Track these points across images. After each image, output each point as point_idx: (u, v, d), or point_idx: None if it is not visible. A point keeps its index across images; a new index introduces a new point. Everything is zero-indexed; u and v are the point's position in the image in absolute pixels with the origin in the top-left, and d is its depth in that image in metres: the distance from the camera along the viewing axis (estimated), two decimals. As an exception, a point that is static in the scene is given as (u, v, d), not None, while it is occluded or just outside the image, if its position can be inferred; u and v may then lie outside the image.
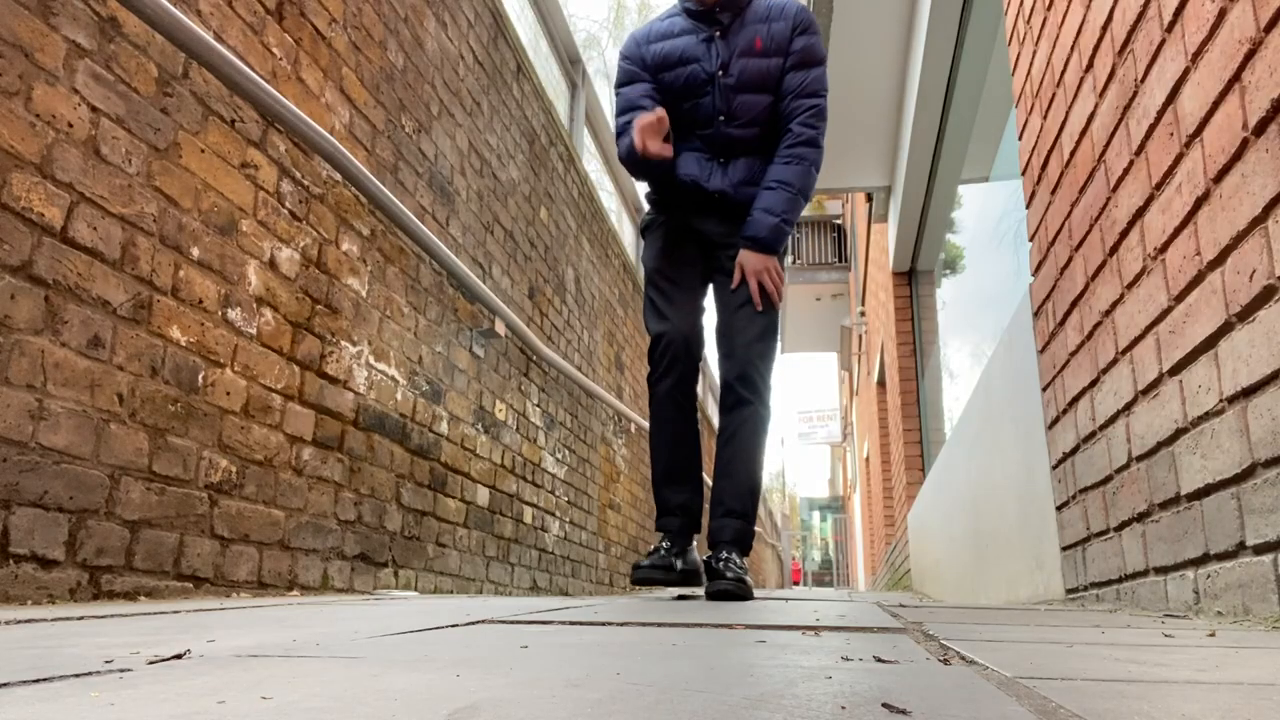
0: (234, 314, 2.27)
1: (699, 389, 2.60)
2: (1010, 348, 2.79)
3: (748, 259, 2.42)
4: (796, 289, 13.57)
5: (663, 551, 2.43)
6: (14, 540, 1.63)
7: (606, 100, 6.44)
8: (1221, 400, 1.36)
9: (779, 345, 2.67)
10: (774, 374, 2.52)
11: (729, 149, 2.52)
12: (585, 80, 6.81)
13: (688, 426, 2.52)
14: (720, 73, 2.47)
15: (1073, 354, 2.09)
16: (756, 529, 2.55)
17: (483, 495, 3.84)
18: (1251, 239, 1.26)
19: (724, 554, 2.35)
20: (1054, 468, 2.29)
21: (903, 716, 0.56)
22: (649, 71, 2.54)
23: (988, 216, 4.52)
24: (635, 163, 2.46)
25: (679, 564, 2.41)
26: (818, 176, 2.51)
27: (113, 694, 0.62)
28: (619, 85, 2.60)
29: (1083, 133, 1.96)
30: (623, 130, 2.50)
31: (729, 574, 2.26)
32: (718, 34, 2.49)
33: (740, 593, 2.23)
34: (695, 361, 2.52)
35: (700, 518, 2.54)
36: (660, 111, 2.34)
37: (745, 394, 2.42)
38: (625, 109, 2.54)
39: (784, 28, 2.47)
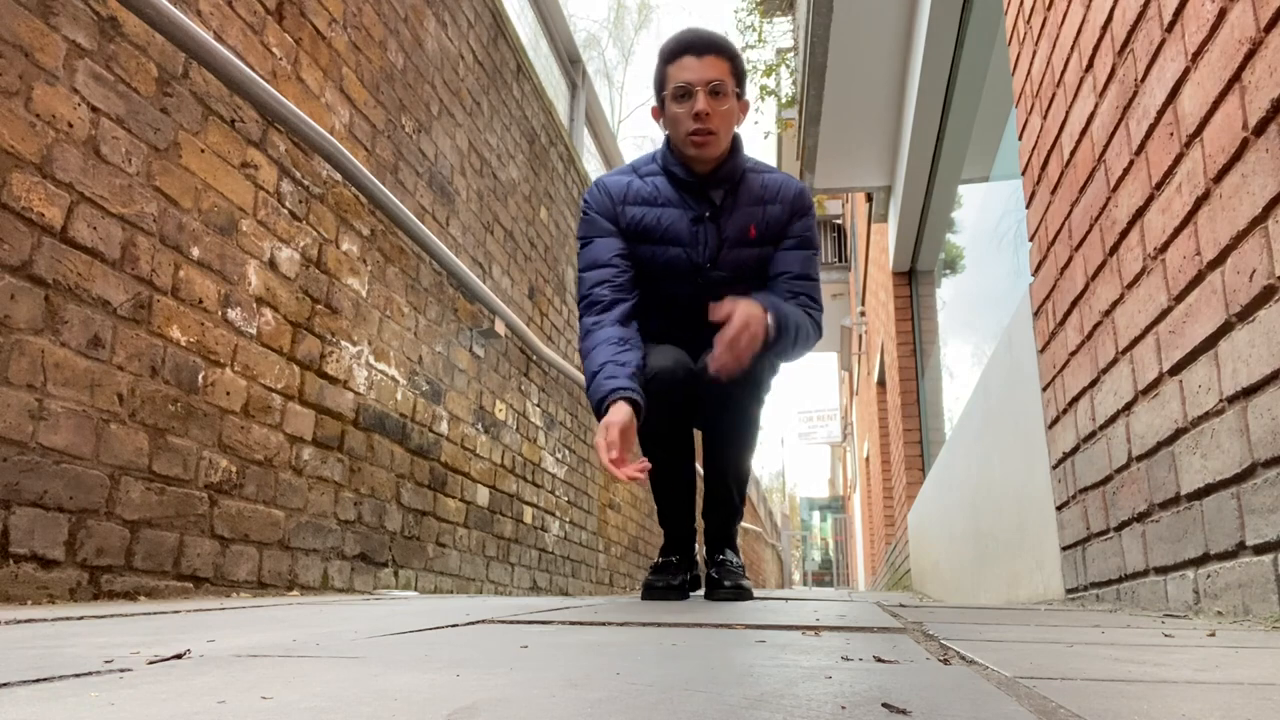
0: (234, 314, 2.27)
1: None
2: (1010, 348, 2.79)
3: (747, 305, 1.92)
4: (796, 289, 13.52)
5: (666, 570, 2.36)
6: (14, 540, 1.63)
7: (606, 100, 6.45)
8: (1221, 400, 1.36)
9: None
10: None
11: (696, 334, 2.14)
12: (585, 80, 6.81)
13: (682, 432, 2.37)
14: (709, 265, 2.15)
15: (1073, 354, 2.09)
16: (744, 527, 2.50)
17: (483, 495, 3.84)
18: (1251, 239, 1.26)
19: (719, 556, 2.34)
20: (1054, 467, 2.29)
21: (903, 716, 0.56)
22: (623, 235, 2.17)
23: (988, 216, 4.52)
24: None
25: (683, 590, 2.36)
26: (803, 351, 2.17)
27: (113, 694, 0.62)
28: (582, 237, 2.21)
29: (1083, 132, 1.96)
30: (586, 295, 2.14)
31: (726, 582, 2.26)
32: (708, 215, 2.15)
33: (739, 596, 2.23)
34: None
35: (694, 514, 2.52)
36: (620, 418, 1.90)
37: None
38: (590, 266, 2.16)
39: (781, 212, 2.17)
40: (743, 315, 1.90)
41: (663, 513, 2.44)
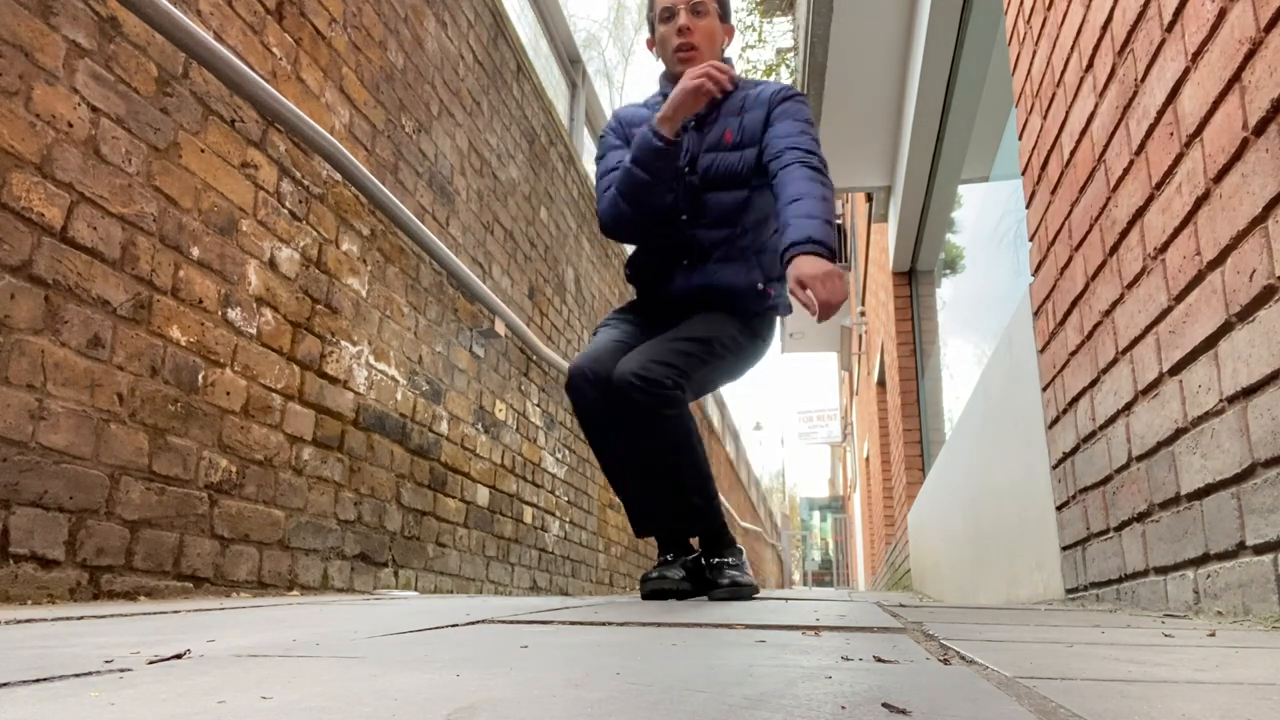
0: (234, 314, 2.27)
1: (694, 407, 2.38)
2: (1010, 347, 2.79)
3: (804, 264, 1.96)
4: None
5: (663, 567, 2.35)
6: (14, 540, 1.63)
7: (606, 100, 6.44)
8: (1221, 400, 1.36)
9: (705, 376, 2.37)
10: (686, 375, 2.20)
11: (695, 252, 2.30)
12: (585, 80, 6.81)
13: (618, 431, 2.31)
14: (685, 169, 2.26)
15: (1073, 354, 2.09)
16: (735, 534, 2.45)
17: (483, 495, 3.84)
18: (1251, 239, 1.26)
19: (713, 559, 2.34)
20: (1054, 467, 2.29)
21: (903, 716, 0.56)
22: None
23: (988, 216, 4.52)
24: (619, 219, 2.26)
25: (682, 583, 2.33)
26: (824, 195, 2.15)
27: (113, 694, 0.62)
28: (599, 158, 2.41)
29: (1083, 132, 1.96)
30: (605, 194, 2.31)
31: (722, 581, 2.25)
32: (692, 125, 2.29)
33: (736, 594, 2.23)
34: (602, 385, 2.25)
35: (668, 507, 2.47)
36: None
37: (626, 380, 2.13)
38: (606, 172, 2.35)
39: (758, 115, 2.26)
40: (811, 280, 1.93)
41: (635, 516, 2.38)
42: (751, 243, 2.31)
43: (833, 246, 2.02)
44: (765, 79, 2.52)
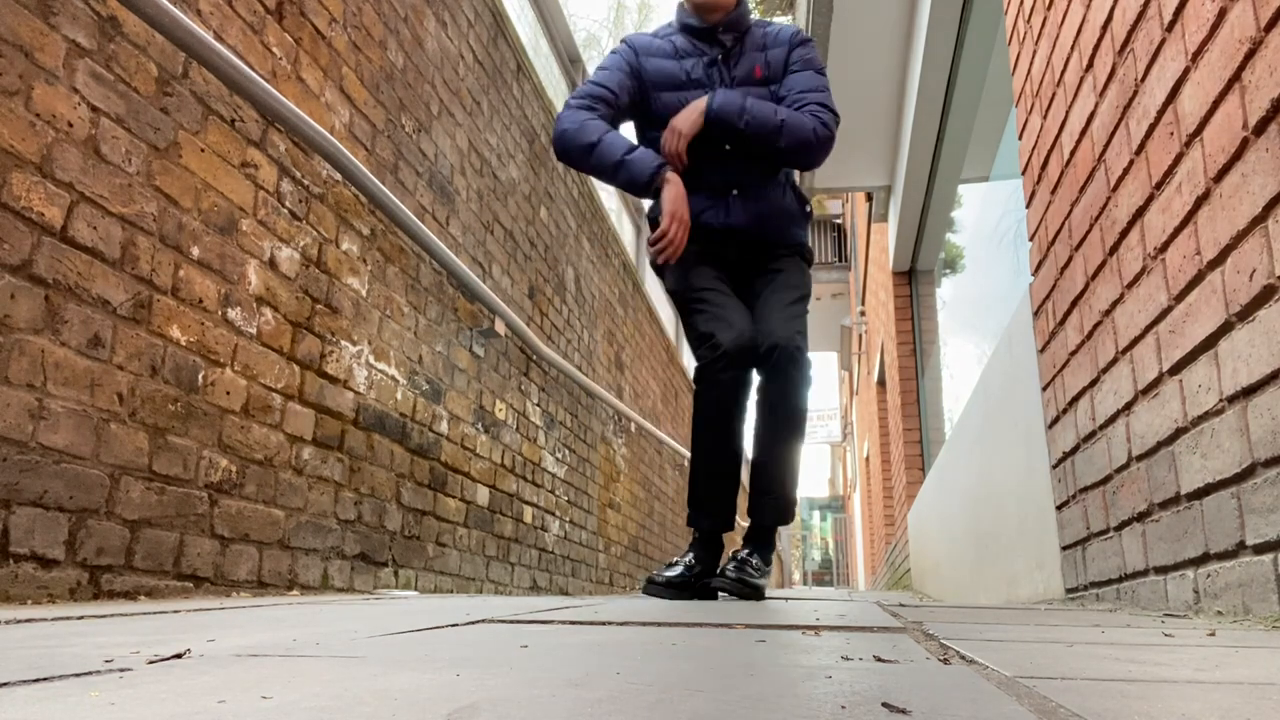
0: (234, 313, 2.27)
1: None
2: (1010, 347, 2.79)
3: (676, 121, 2.32)
4: (796, 288, 13.51)
5: (684, 568, 2.31)
6: (14, 540, 1.63)
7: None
8: (1221, 400, 1.36)
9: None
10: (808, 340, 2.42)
11: (743, 182, 2.45)
12: (585, 80, 6.80)
13: (741, 420, 2.41)
14: None
15: (1073, 353, 2.09)
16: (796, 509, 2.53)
17: (483, 495, 3.84)
18: (1251, 238, 1.26)
19: (745, 551, 2.34)
20: (1054, 467, 2.29)
21: (903, 716, 0.56)
22: (641, 85, 2.47)
23: (988, 216, 4.52)
24: (569, 153, 2.39)
25: (690, 576, 2.31)
26: (820, 152, 2.39)
27: (113, 694, 0.62)
28: (601, 66, 2.53)
29: (1083, 132, 1.96)
30: (573, 109, 2.41)
31: (731, 574, 2.25)
32: (720, 57, 2.45)
33: (741, 588, 2.22)
34: (754, 360, 2.36)
35: (734, 515, 2.48)
36: (683, 190, 2.29)
37: (798, 358, 2.32)
38: (598, 83, 2.46)
39: (780, 53, 2.45)
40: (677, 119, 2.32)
41: (697, 500, 2.42)
42: (774, 174, 2.49)
43: (728, 119, 2.29)
44: (772, 20, 2.66)
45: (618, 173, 2.32)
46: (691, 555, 2.35)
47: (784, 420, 2.37)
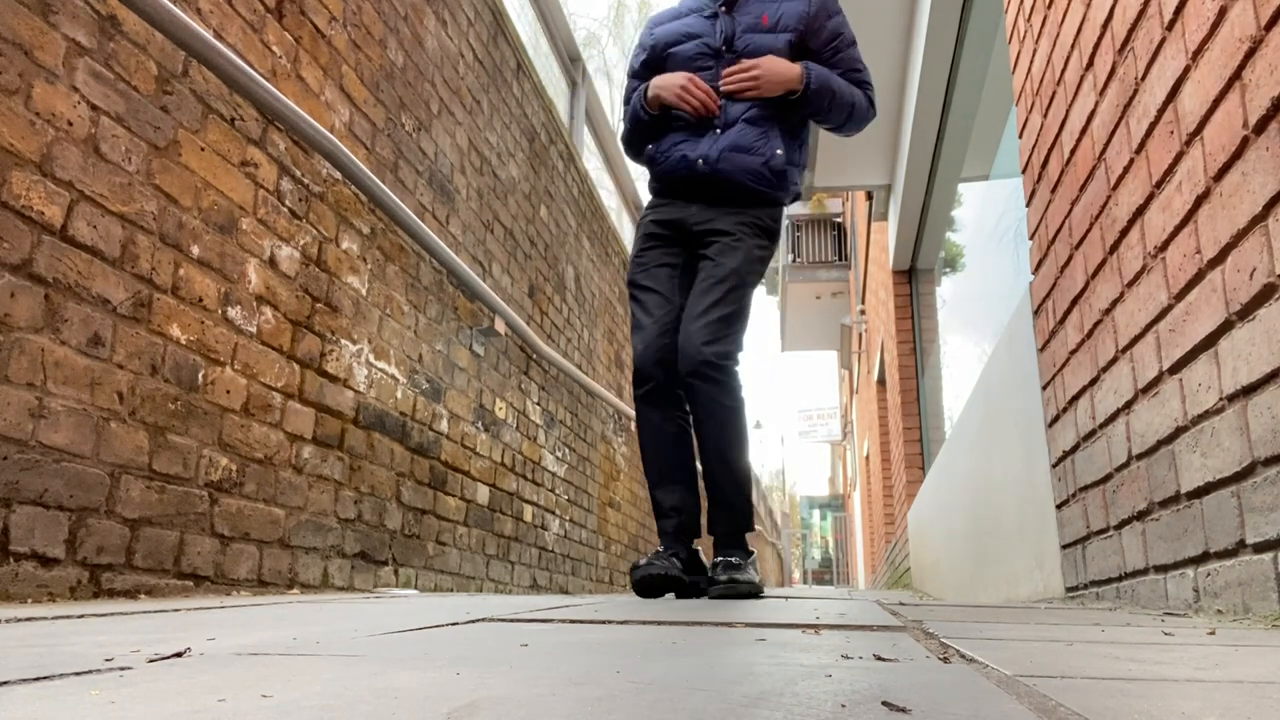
0: (234, 312, 2.27)
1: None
2: (1010, 346, 2.79)
3: (766, 60, 2.41)
4: (796, 287, 13.56)
5: (654, 555, 2.38)
6: (14, 538, 1.63)
7: (606, 99, 6.44)
8: (1222, 398, 1.36)
9: (746, 321, 2.53)
10: (739, 344, 2.40)
11: (727, 119, 2.50)
12: (585, 79, 6.80)
13: (670, 427, 2.45)
14: (724, 48, 2.50)
15: (1073, 352, 2.09)
16: (757, 527, 2.53)
17: (483, 493, 3.84)
18: (1252, 237, 1.26)
19: (721, 557, 2.34)
20: (1054, 466, 2.29)
21: (903, 715, 0.56)
22: (657, 51, 2.60)
23: (988, 215, 4.52)
24: (629, 142, 2.61)
25: (672, 566, 2.33)
26: (862, 121, 2.54)
27: (113, 692, 0.62)
28: (629, 74, 2.72)
29: (1083, 131, 1.96)
30: (633, 90, 2.61)
31: (722, 578, 2.26)
32: (723, 9, 2.54)
33: (734, 592, 2.22)
34: (669, 372, 2.41)
35: (698, 517, 2.51)
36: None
37: (707, 373, 2.31)
38: (631, 75, 2.67)
39: (796, 9, 2.48)
40: (752, 64, 2.41)
41: (653, 480, 2.51)
42: (774, 114, 2.48)
43: (806, 82, 2.41)
44: None
45: (637, 127, 2.58)
46: (662, 545, 2.42)
47: (712, 433, 2.37)
